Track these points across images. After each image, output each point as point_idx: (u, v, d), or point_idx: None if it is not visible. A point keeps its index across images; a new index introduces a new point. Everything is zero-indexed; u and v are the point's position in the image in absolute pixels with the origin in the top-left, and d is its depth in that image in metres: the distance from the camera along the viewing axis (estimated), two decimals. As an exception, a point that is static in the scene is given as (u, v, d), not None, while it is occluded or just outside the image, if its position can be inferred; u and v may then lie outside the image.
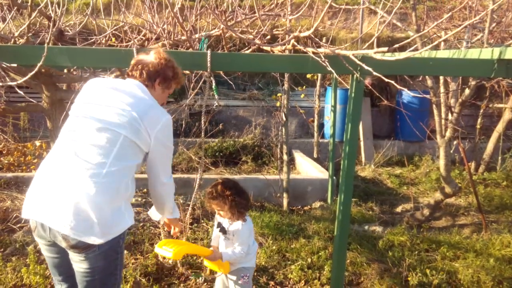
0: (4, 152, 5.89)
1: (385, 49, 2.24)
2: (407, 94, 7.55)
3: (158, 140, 1.91)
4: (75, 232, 1.73)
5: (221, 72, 3.95)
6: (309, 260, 3.57)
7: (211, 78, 2.40)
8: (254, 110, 7.91)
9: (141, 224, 4.13)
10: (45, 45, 2.11)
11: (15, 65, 2.37)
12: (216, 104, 2.65)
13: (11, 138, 6.39)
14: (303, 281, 3.30)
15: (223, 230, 2.38)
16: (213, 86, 2.40)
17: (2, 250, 3.49)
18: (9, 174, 5.15)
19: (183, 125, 7.30)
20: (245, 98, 8.10)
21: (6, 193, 4.69)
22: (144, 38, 3.59)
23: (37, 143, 5.96)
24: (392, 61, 2.30)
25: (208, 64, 2.36)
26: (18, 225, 3.89)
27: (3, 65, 2.33)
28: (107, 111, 1.85)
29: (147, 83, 2.01)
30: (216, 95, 2.43)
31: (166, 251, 2.17)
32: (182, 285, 3.14)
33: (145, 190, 5.11)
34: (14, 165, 5.66)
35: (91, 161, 1.78)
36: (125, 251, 3.48)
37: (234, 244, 2.40)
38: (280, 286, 3.26)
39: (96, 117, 1.85)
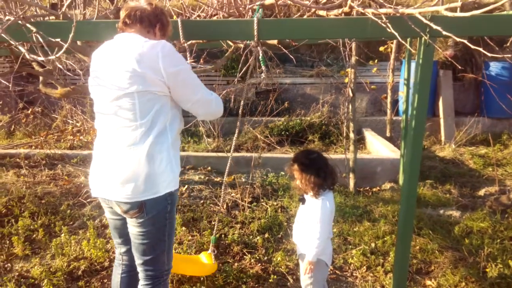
0: (81, 131, 6.26)
1: (459, 3, 1.90)
2: (495, 66, 6.75)
3: (167, 70, 1.79)
4: (134, 195, 1.85)
5: (279, 46, 3.74)
6: (373, 245, 3.31)
7: (258, 48, 2.22)
8: (322, 87, 7.58)
9: (202, 201, 4.14)
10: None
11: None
12: (263, 76, 2.42)
13: (90, 118, 6.77)
14: (364, 267, 3.07)
15: (302, 200, 2.31)
16: (260, 57, 2.23)
17: (71, 223, 3.68)
18: (85, 152, 5.48)
19: (249, 104, 7.25)
20: (313, 75, 7.80)
21: (81, 170, 4.99)
22: (205, 14, 3.53)
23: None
24: (467, 19, 1.94)
25: (255, 33, 2.19)
26: (88, 200, 4.10)
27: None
28: (114, 77, 1.81)
29: (148, 29, 1.93)
30: (262, 66, 2.25)
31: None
32: (236, 264, 3.07)
33: (209, 168, 5.15)
34: (92, 143, 6.01)
35: (125, 133, 1.85)
36: (184, 228, 3.51)
37: (307, 221, 2.25)
38: (339, 271, 3.06)
39: (108, 88, 1.84)
